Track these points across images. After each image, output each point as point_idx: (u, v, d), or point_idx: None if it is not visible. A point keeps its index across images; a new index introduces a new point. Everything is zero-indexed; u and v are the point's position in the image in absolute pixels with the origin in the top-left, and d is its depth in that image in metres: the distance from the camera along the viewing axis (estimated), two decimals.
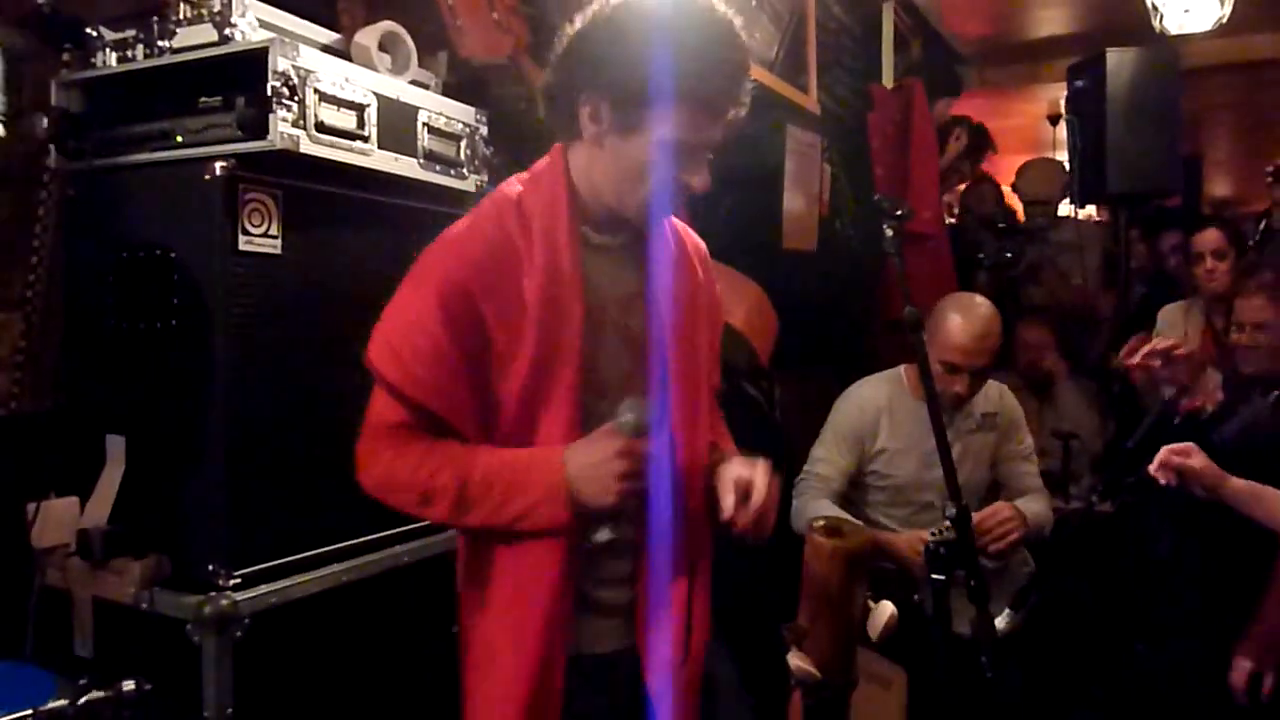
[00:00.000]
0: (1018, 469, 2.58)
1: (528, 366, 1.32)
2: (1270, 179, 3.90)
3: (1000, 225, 4.34)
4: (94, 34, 1.78)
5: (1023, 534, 2.28)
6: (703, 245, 1.59)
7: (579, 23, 1.32)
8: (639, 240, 1.43)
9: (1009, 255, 4.20)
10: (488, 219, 1.38)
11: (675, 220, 1.51)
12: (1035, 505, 2.46)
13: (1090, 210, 4.68)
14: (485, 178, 2.07)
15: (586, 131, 1.32)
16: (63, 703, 1.13)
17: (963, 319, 2.35)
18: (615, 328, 1.41)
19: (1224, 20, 3.49)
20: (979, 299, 2.47)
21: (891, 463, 2.49)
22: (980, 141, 4.61)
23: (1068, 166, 3.90)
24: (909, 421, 2.47)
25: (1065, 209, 4.48)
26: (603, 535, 1.31)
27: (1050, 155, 4.86)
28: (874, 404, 2.52)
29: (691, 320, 1.48)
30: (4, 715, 1.12)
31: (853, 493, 2.55)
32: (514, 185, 1.41)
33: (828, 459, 2.51)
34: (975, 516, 2.15)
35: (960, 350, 2.34)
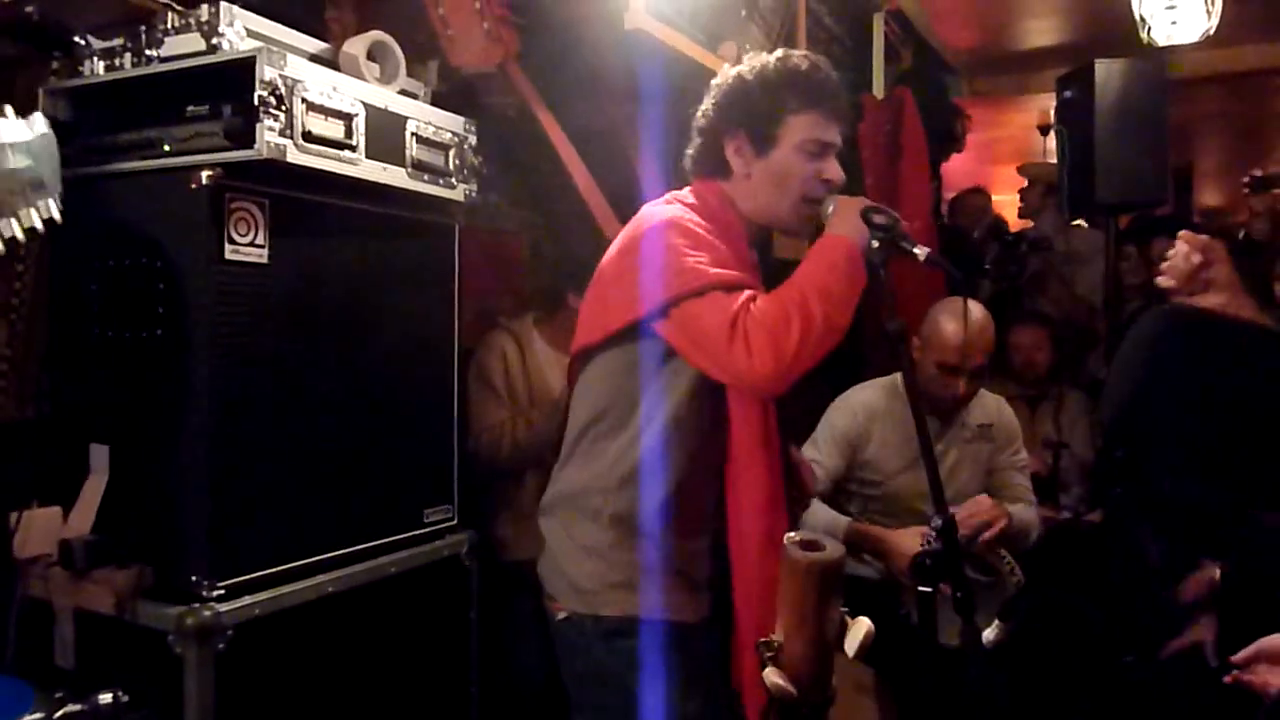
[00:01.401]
0: (1010, 479, 2.59)
1: None
2: (1247, 189, 3.91)
3: (1007, 237, 4.32)
4: (82, 42, 1.78)
5: (1006, 524, 2.28)
6: None
7: (717, 84, 1.64)
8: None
9: (1013, 267, 4.19)
10: (692, 207, 1.57)
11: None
12: (1022, 509, 2.46)
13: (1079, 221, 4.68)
14: (474, 187, 2.07)
15: (735, 165, 1.59)
16: (39, 715, 1.12)
17: (955, 320, 2.38)
18: None
19: (1212, 31, 3.51)
20: (972, 303, 2.48)
21: (884, 469, 2.49)
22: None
23: (1057, 177, 3.91)
24: (902, 429, 2.47)
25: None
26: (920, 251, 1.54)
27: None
28: (868, 410, 2.52)
29: None
30: None
31: (844, 499, 2.55)
32: (675, 200, 1.62)
33: (818, 461, 2.51)
34: (958, 513, 2.15)
35: (956, 350, 2.35)
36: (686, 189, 1.66)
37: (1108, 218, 3.72)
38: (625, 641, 1.51)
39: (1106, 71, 3.47)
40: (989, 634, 2.00)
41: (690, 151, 1.67)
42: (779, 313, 1.40)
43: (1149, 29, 3.52)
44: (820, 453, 2.51)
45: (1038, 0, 4.82)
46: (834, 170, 1.59)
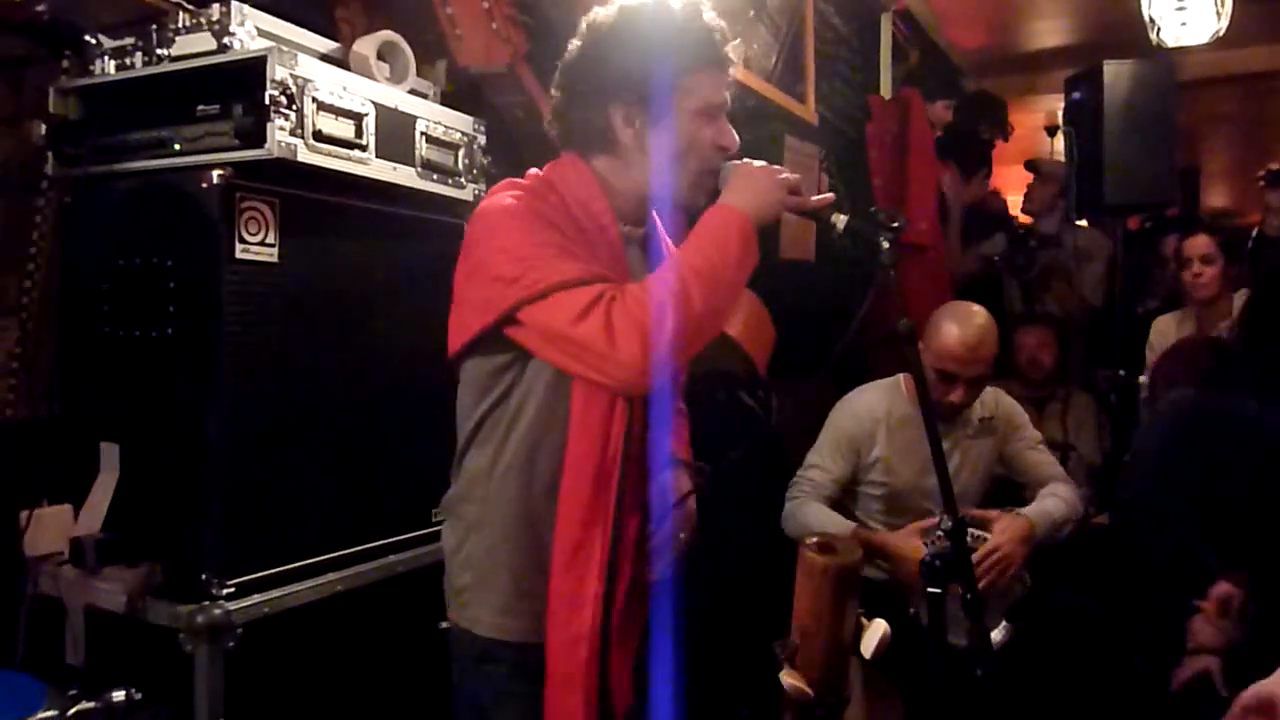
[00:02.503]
0: (1031, 460, 2.58)
1: None
2: (1264, 182, 3.89)
3: (1020, 231, 4.28)
4: (93, 41, 1.78)
5: (1024, 557, 2.26)
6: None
7: (578, 45, 1.41)
8: (647, 239, 1.50)
9: (1021, 260, 4.17)
10: (530, 191, 1.39)
11: (659, 224, 1.55)
12: (1050, 502, 2.43)
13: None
14: (483, 187, 2.07)
15: (622, 136, 1.39)
16: (52, 713, 1.12)
17: (958, 328, 2.36)
18: None
19: (1221, 33, 3.50)
20: (975, 308, 2.47)
21: (889, 470, 2.49)
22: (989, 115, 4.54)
23: (1064, 178, 3.90)
24: (907, 429, 2.47)
25: None
26: (841, 221, 1.43)
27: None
28: (871, 412, 2.52)
29: None
30: None
31: (849, 500, 2.55)
32: (530, 176, 1.45)
33: (821, 465, 2.51)
34: (976, 556, 2.13)
35: (955, 359, 2.34)
36: (532, 170, 1.47)
37: (1115, 219, 3.71)
38: (492, 667, 1.42)
39: (1116, 72, 3.46)
40: (997, 635, 2.00)
41: (557, 117, 1.45)
42: (651, 302, 1.25)
43: (1158, 30, 3.51)
44: (824, 457, 2.51)
45: (1045, 1, 4.81)
46: (729, 136, 1.42)
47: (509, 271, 1.30)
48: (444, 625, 1.50)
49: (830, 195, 1.47)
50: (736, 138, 1.44)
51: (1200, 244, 3.26)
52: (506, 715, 1.41)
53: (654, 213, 1.51)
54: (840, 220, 1.44)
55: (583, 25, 1.42)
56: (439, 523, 2.00)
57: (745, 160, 1.43)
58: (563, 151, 1.47)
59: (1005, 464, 2.61)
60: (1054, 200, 4.28)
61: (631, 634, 1.42)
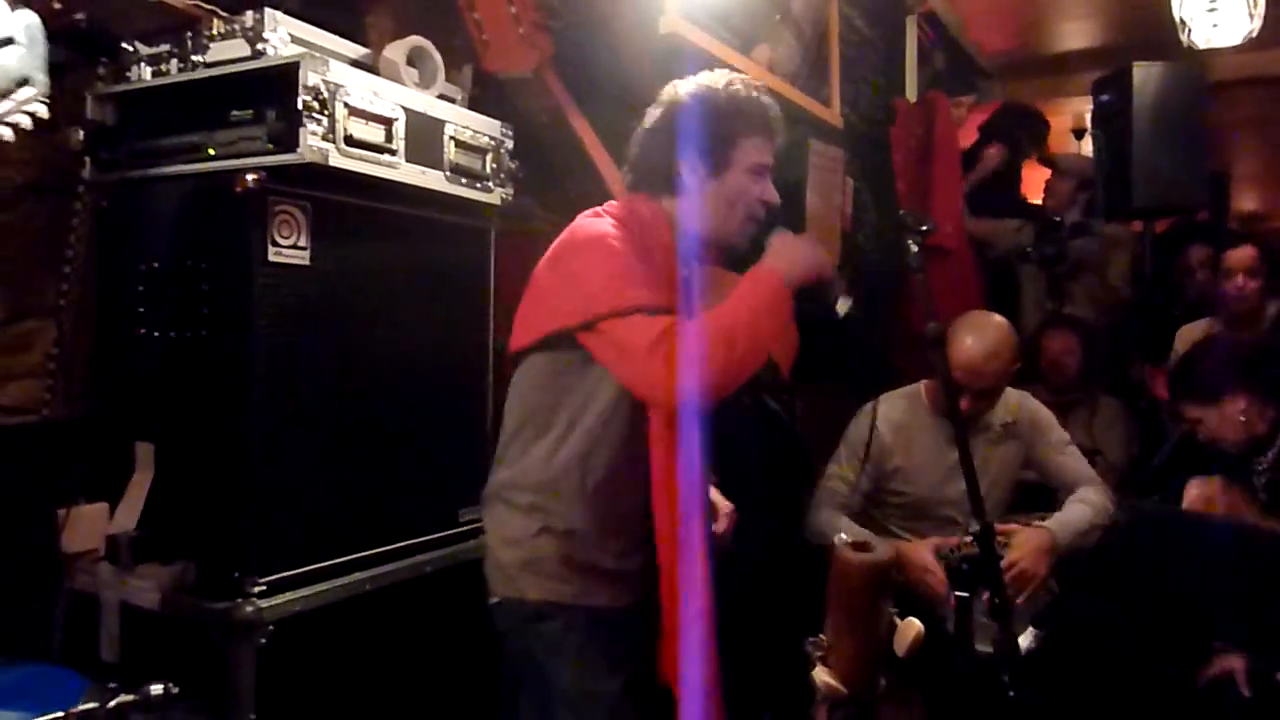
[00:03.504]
0: (1060, 462, 2.55)
1: None
2: None
3: (1055, 219, 4.22)
4: (129, 48, 1.82)
5: (1049, 570, 2.25)
6: None
7: (659, 111, 1.68)
8: (690, 276, 1.69)
9: (1051, 250, 4.12)
10: (614, 218, 1.61)
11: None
12: (1074, 510, 2.41)
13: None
14: (510, 191, 2.09)
15: (688, 182, 1.64)
16: (93, 705, 1.15)
17: (972, 339, 2.34)
18: None
19: (1254, 34, 3.45)
20: (995, 319, 2.45)
21: (909, 479, 2.48)
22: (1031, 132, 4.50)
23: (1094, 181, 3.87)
24: (927, 437, 2.46)
25: None
26: (844, 306, 1.64)
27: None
28: (890, 420, 2.50)
29: None
30: (35, 717, 1.14)
31: (871, 508, 2.54)
32: (614, 207, 1.67)
33: (840, 475, 2.50)
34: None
35: (963, 369, 2.32)
36: (616, 202, 1.70)
37: (1144, 223, 3.68)
38: (546, 625, 1.57)
39: (1145, 75, 3.43)
40: (1024, 641, 1.98)
41: (633, 166, 1.71)
42: (704, 340, 1.47)
43: (1189, 31, 3.47)
44: (843, 467, 2.50)
45: (1071, 3, 4.77)
46: (771, 192, 1.68)
47: (602, 286, 1.51)
48: (494, 601, 1.62)
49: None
50: (776, 195, 1.68)
51: (1245, 256, 3.20)
52: (560, 661, 1.57)
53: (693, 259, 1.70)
54: (844, 305, 1.66)
55: (664, 95, 1.69)
56: (466, 523, 2.03)
57: (785, 232, 1.67)
58: (631, 194, 1.70)
59: (1034, 468, 2.59)
60: (1074, 194, 4.23)
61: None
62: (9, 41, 1.23)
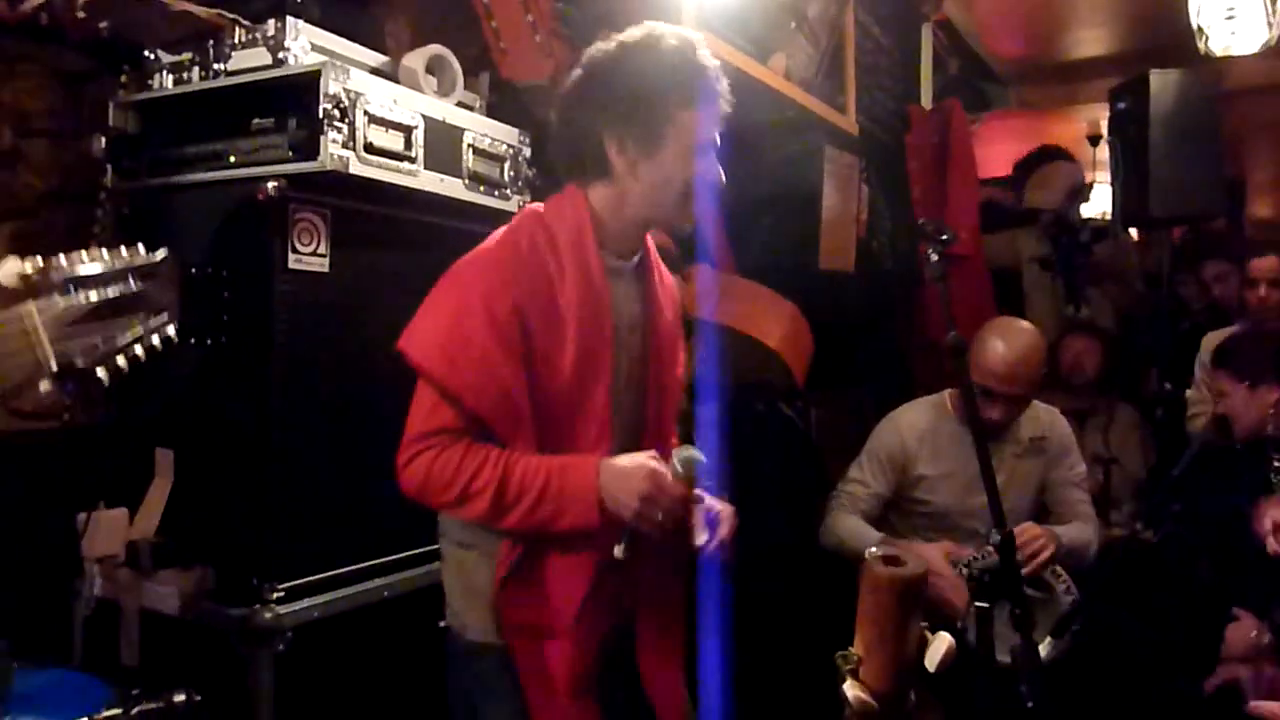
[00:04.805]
0: (1067, 495, 2.54)
1: (567, 374, 1.41)
2: None
3: (1076, 225, 4.18)
4: (151, 57, 1.83)
5: (1054, 551, 2.25)
6: (672, 280, 1.69)
7: (577, 76, 1.48)
8: (640, 267, 1.57)
9: (1081, 261, 4.09)
10: (520, 235, 1.46)
11: (654, 252, 1.62)
12: (1075, 530, 2.43)
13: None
14: (528, 198, 2.09)
15: (617, 164, 1.45)
16: (117, 712, 1.15)
17: (1003, 345, 2.33)
18: (626, 346, 1.52)
19: (1273, 42, 3.43)
20: (1023, 325, 2.44)
21: (933, 489, 2.47)
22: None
23: (1111, 189, 3.85)
24: (952, 447, 2.45)
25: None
26: (619, 551, 1.39)
27: (1091, 179, 4.77)
28: (915, 430, 2.49)
29: (672, 346, 1.62)
30: None
31: (893, 517, 2.53)
32: (535, 210, 1.52)
33: (862, 480, 2.49)
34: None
35: (996, 376, 2.32)
36: (539, 209, 1.52)
37: (1162, 231, 3.66)
38: (480, 664, 1.50)
39: (1161, 82, 3.42)
40: (1043, 651, 1.97)
41: (557, 150, 1.53)
42: (448, 475, 1.37)
43: (1207, 39, 3.45)
44: (865, 473, 2.49)
45: (1086, 10, 4.76)
46: (715, 170, 1.48)
47: (436, 346, 1.39)
48: (442, 624, 1.57)
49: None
50: (722, 174, 1.50)
51: (1269, 266, 3.19)
52: (492, 706, 1.49)
53: (648, 241, 1.59)
54: (619, 550, 1.40)
55: (583, 59, 1.48)
56: None
57: (680, 460, 1.42)
58: (566, 184, 1.53)
59: (1042, 489, 2.57)
60: (1070, 182, 4.21)
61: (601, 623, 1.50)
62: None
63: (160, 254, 1.19)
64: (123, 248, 1.16)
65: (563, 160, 1.53)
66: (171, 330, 1.20)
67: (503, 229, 1.51)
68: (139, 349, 1.17)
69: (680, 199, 1.47)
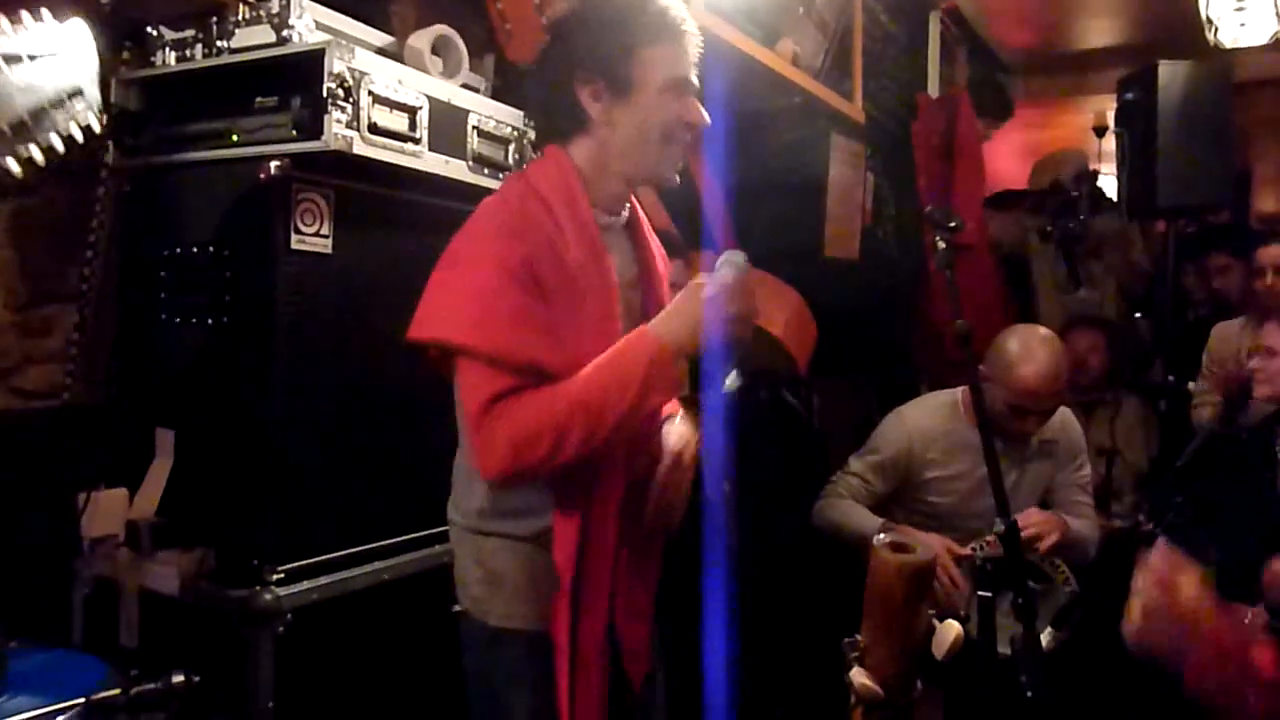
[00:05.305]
0: (1072, 497, 2.54)
1: (580, 331, 1.38)
2: None
3: (1074, 195, 4.13)
4: (154, 33, 1.81)
5: (1061, 536, 2.25)
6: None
7: (547, 38, 1.47)
8: (630, 225, 1.55)
9: (1079, 230, 4.07)
10: (508, 198, 1.44)
11: (639, 208, 1.59)
12: (1081, 523, 2.42)
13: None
14: None
15: (592, 111, 1.43)
16: (115, 692, 1.15)
17: (1034, 364, 2.28)
18: (628, 304, 1.49)
19: None
20: (1043, 334, 2.39)
21: (941, 491, 2.45)
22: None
23: (1116, 179, 3.84)
24: (962, 448, 2.42)
25: None
26: (731, 381, 1.38)
27: (1096, 168, 4.74)
28: (924, 433, 2.46)
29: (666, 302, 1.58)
30: (57, 703, 1.14)
31: (898, 514, 2.50)
32: (517, 175, 1.51)
33: (862, 475, 2.48)
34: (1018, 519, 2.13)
35: (1031, 395, 2.29)
36: (526, 168, 1.52)
37: (1169, 222, 3.64)
38: (505, 651, 1.47)
39: (1171, 73, 3.40)
40: (1043, 641, 1.97)
41: (533, 111, 1.53)
42: (532, 426, 1.31)
43: (1216, 30, 3.43)
44: (868, 469, 2.48)
45: (1096, 0, 4.72)
46: (696, 111, 1.45)
47: (459, 312, 1.35)
48: (456, 609, 1.53)
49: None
50: (706, 115, 1.46)
51: (1275, 254, 3.18)
52: (516, 693, 1.46)
53: (633, 198, 1.55)
54: (732, 381, 1.40)
55: (546, 19, 1.47)
56: None
57: (695, 283, 1.40)
58: (545, 147, 1.50)
59: (1049, 490, 2.57)
60: (1075, 166, 4.20)
61: (639, 593, 1.49)
62: (56, 54, 1.22)
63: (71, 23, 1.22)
64: (26, 17, 1.19)
65: (540, 123, 1.52)
66: (94, 118, 1.23)
67: (485, 201, 1.47)
68: (55, 137, 1.19)
69: (660, 144, 1.44)
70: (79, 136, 1.25)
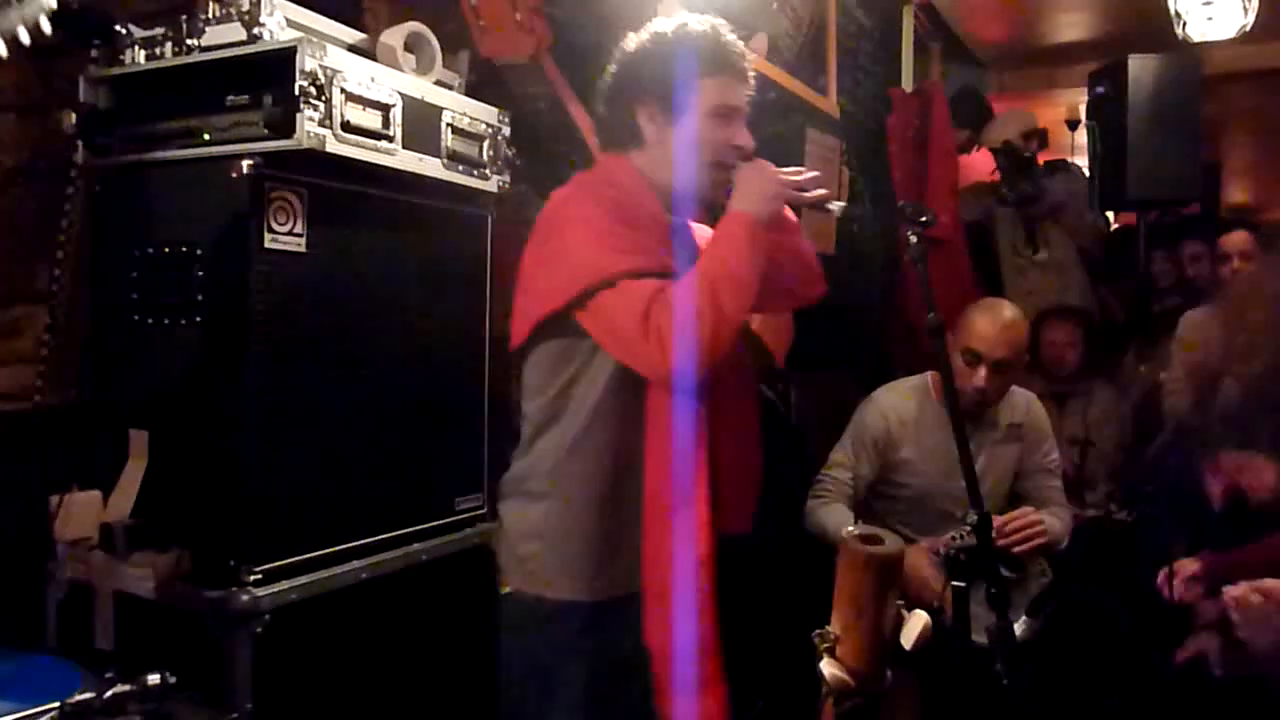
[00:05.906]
0: (1041, 482, 2.57)
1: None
2: None
3: (1026, 155, 4.14)
4: (123, 31, 1.80)
5: (1045, 541, 2.28)
6: None
7: (614, 65, 1.61)
8: (679, 225, 1.63)
9: (1030, 190, 4.11)
10: (585, 182, 1.58)
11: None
12: (1054, 519, 2.45)
13: None
14: (507, 178, 2.08)
15: (647, 132, 1.56)
16: (89, 695, 1.14)
17: (991, 313, 2.41)
18: None
19: (1248, 28, 3.46)
20: (1008, 303, 2.51)
21: (913, 472, 2.48)
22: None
23: (1087, 172, 3.87)
24: (933, 430, 2.46)
25: None
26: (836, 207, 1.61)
27: (1069, 159, 4.78)
28: (897, 412, 2.50)
29: None
30: (31, 708, 1.13)
31: (871, 500, 2.54)
32: (583, 175, 1.63)
33: (845, 464, 2.50)
34: (998, 519, 2.15)
35: (981, 337, 2.34)
36: (588, 171, 1.65)
37: (1139, 214, 3.69)
38: (561, 626, 1.52)
39: (1140, 67, 3.44)
40: (1018, 630, 1.99)
41: (599, 125, 1.65)
42: (689, 310, 1.39)
43: (1184, 24, 3.47)
44: (849, 456, 2.50)
45: None
46: (744, 136, 1.58)
47: (585, 259, 1.45)
48: (506, 591, 1.57)
49: (823, 192, 1.58)
50: (751, 140, 1.58)
51: (1239, 240, 3.24)
52: (573, 668, 1.51)
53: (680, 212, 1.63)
54: (836, 206, 1.59)
55: (618, 51, 1.61)
56: (463, 512, 2.03)
57: (751, 162, 1.56)
58: (603, 154, 1.64)
59: (1017, 476, 2.59)
60: (1022, 125, 4.24)
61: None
62: None
63: None
64: None
65: (601, 137, 1.65)
66: (44, 20, 1.20)
67: (553, 194, 1.57)
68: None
69: (709, 166, 1.55)
70: (25, 38, 1.21)
